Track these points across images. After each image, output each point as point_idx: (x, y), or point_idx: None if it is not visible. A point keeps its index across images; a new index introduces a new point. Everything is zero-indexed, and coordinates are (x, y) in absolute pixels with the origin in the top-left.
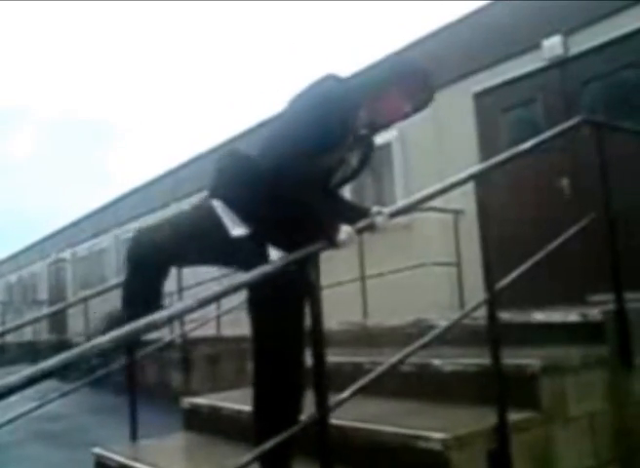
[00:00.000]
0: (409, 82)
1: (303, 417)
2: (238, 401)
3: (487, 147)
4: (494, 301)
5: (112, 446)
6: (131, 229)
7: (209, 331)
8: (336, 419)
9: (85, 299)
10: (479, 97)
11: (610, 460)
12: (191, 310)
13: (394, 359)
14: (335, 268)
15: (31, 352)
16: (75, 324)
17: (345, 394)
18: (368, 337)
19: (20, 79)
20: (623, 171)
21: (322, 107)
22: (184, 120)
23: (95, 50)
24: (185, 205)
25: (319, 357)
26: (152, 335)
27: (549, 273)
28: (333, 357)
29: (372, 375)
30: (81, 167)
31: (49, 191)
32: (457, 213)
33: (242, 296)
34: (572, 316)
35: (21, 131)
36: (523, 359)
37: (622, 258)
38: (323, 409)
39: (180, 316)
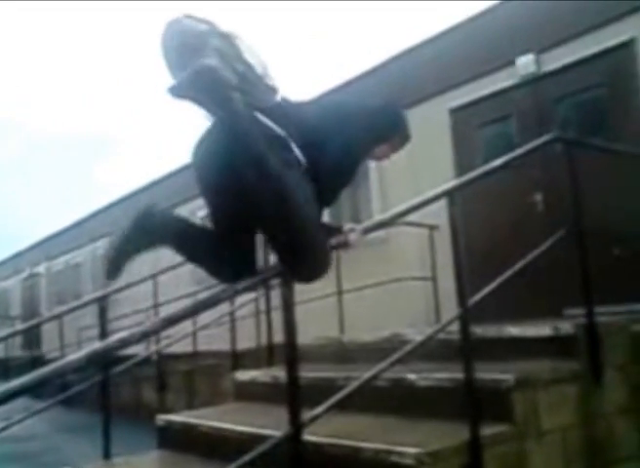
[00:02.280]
0: (401, 138)
1: (276, 433)
2: (213, 418)
3: (462, 163)
4: (466, 316)
5: (84, 465)
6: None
7: (185, 347)
8: (310, 435)
9: (60, 316)
10: (455, 112)
11: None
12: (160, 329)
13: (369, 374)
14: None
15: (3, 369)
16: (50, 339)
17: (319, 410)
18: (344, 353)
19: (7, 90)
20: (595, 186)
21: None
22: (174, 133)
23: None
24: None
25: (293, 372)
26: (127, 351)
27: (527, 286)
28: (308, 373)
29: (346, 391)
30: (68, 180)
31: (32, 205)
32: (432, 228)
33: (217, 312)
34: (545, 330)
35: (6, 142)
36: (497, 373)
37: (594, 272)
38: (297, 424)
39: (149, 334)
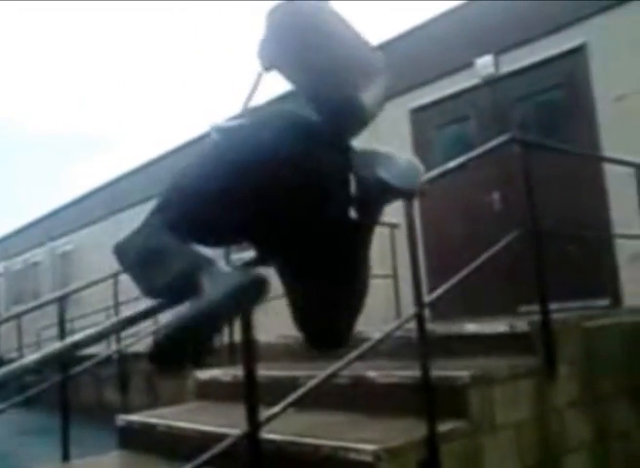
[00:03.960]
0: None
1: (235, 432)
2: (173, 418)
3: (422, 163)
4: (422, 314)
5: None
6: (67, 242)
7: (147, 346)
8: (270, 433)
9: (18, 316)
10: (415, 113)
11: (533, 466)
12: (118, 329)
13: (327, 372)
14: (274, 280)
15: None
16: (8, 340)
17: (277, 408)
18: (305, 351)
19: None
20: (551, 186)
21: None
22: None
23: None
24: (125, 217)
25: (250, 371)
26: (89, 351)
27: (486, 284)
28: (269, 371)
29: (304, 389)
30: (38, 179)
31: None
32: (392, 226)
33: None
34: (501, 327)
35: None
36: (453, 370)
37: (549, 269)
38: (254, 423)
39: (106, 335)
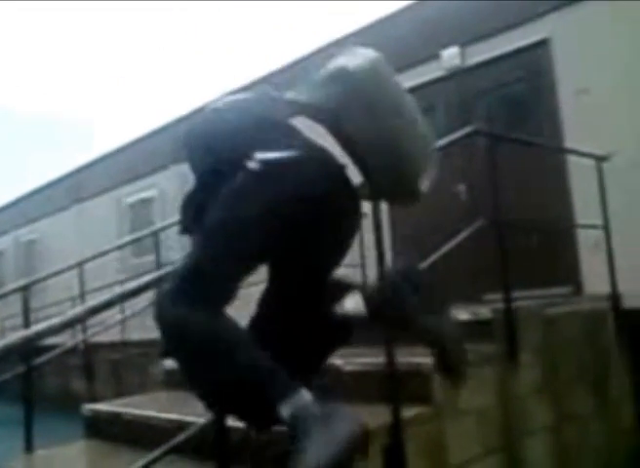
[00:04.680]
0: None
1: (201, 421)
2: (140, 406)
3: None
4: None
5: (3, 460)
6: (32, 231)
7: (114, 336)
8: (235, 421)
9: None
10: None
11: (495, 449)
12: (82, 318)
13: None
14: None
15: None
16: None
17: None
18: None
19: None
20: (515, 177)
21: None
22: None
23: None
24: (90, 206)
25: None
26: (53, 341)
27: (451, 273)
28: None
29: None
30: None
31: None
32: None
33: (146, 301)
34: (464, 315)
35: None
36: (417, 357)
37: (514, 259)
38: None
39: (70, 324)
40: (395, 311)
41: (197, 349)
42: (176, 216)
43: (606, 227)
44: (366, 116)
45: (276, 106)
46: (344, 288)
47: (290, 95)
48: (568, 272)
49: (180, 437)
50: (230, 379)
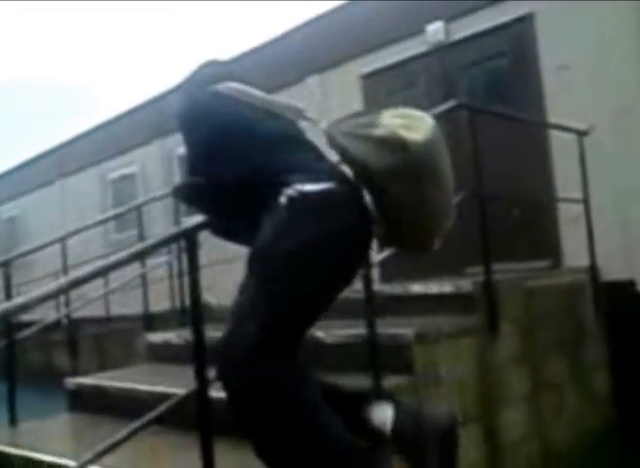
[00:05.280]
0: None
1: (183, 392)
2: (124, 379)
3: None
4: (369, 275)
5: None
6: (13, 207)
7: (97, 310)
8: (219, 391)
9: None
10: (366, 78)
11: (474, 418)
12: (64, 291)
13: None
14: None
15: None
16: None
17: None
18: None
19: None
20: (497, 151)
21: None
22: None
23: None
24: (72, 182)
25: (198, 329)
26: (36, 316)
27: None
28: (215, 332)
29: None
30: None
31: None
32: None
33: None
34: (446, 287)
35: None
36: (399, 328)
37: (496, 232)
38: (202, 380)
39: (51, 297)
40: None
41: (285, 414)
42: (159, 191)
43: (586, 201)
44: (412, 184)
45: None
46: None
47: (336, 134)
48: (548, 246)
49: (162, 408)
50: (314, 448)
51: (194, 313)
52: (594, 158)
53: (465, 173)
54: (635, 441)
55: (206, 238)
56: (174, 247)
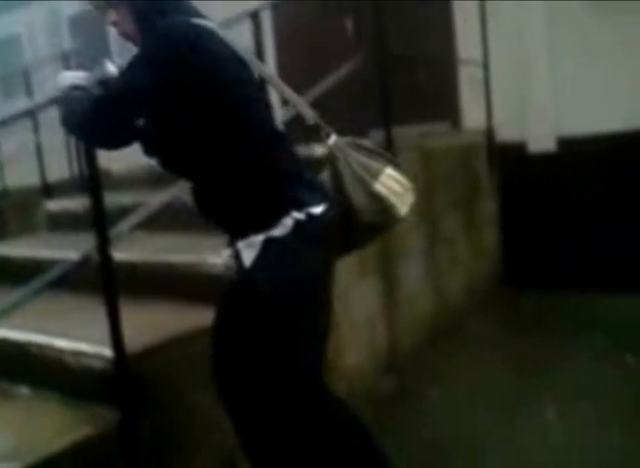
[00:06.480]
0: None
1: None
2: (23, 247)
3: None
4: None
5: None
6: None
7: None
8: (121, 253)
9: None
10: None
11: (374, 270)
12: None
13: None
14: None
15: None
16: None
17: (125, 227)
18: (152, 178)
19: None
20: (401, 15)
21: None
22: None
23: None
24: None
25: (96, 194)
26: None
27: (338, 111)
28: (121, 198)
29: (145, 212)
30: None
31: None
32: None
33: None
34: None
35: None
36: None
37: (397, 96)
38: (103, 241)
39: None
40: None
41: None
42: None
43: (485, 63)
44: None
45: None
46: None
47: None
48: (448, 108)
49: (63, 267)
50: None
51: (91, 173)
52: (494, 19)
53: (369, 35)
54: (517, 284)
55: None
56: None
